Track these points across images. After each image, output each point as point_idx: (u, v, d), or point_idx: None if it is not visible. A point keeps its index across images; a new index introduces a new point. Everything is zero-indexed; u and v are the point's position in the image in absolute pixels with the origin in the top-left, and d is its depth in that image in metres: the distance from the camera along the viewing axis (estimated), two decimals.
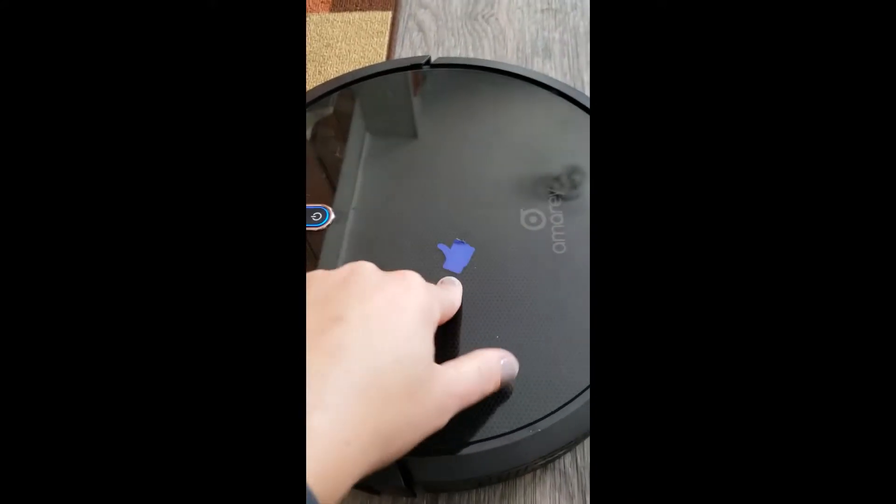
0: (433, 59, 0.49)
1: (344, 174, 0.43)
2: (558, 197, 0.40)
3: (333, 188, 0.42)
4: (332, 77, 0.62)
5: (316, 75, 0.61)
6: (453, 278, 0.36)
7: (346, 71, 0.62)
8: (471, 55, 0.62)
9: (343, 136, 0.45)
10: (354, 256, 0.38)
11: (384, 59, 0.62)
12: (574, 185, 0.41)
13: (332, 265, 0.38)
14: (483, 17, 0.65)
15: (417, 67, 0.49)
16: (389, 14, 0.66)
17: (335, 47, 0.64)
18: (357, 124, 0.46)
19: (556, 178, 0.41)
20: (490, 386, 0.29)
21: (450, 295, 0.33)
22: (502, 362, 0.30)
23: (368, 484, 0.30)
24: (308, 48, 0.64)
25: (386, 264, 0.37)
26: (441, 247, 0.38)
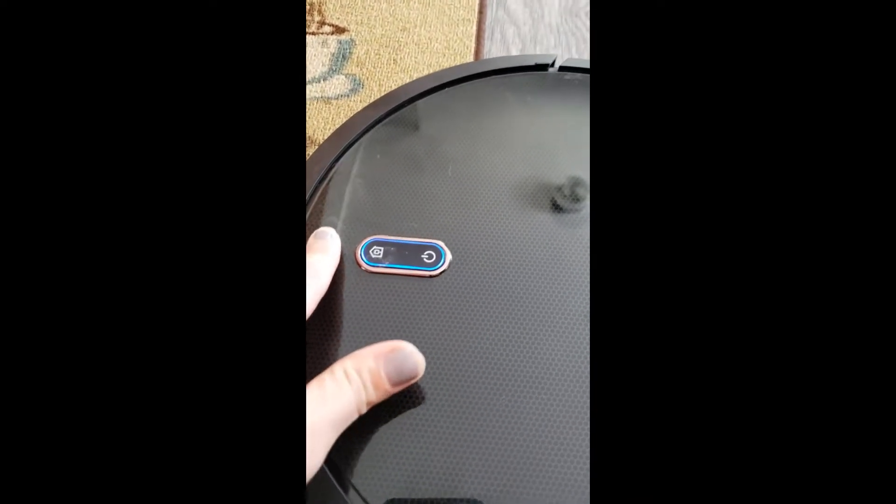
0: (557, 60, 0.40)
1: (463, 199, 0.33)
2: None
3: (449, 217, 0.32)
4: (408, 66, 0.52)
5: (390, 63, 0.51)
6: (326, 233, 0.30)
7: (425, 61, 0.52)
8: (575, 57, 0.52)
9: (455, 148, 0.35)
10: (476, 320, 0.29)
11: (472, 52, 0.52)
12: None
13: (447, 331, 0.28)
14: (587, 13, 0.56)
15: (542, 69, 0.39)
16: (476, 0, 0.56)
17: (412, 32, 0.53)
18: (474, 134, 0.36)
19: None
20: (374, 394, 0.24)
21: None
22: (386, 359, 0.25)
23: None
24: (380, 30, 0.54)
25: (520, 341, 0.28)
26: None
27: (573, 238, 0.31)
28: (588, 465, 0.25)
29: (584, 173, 0.34)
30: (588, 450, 0.25)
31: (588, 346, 0.28)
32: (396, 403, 0.26)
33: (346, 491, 0.24)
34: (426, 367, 0.27)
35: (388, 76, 0.50)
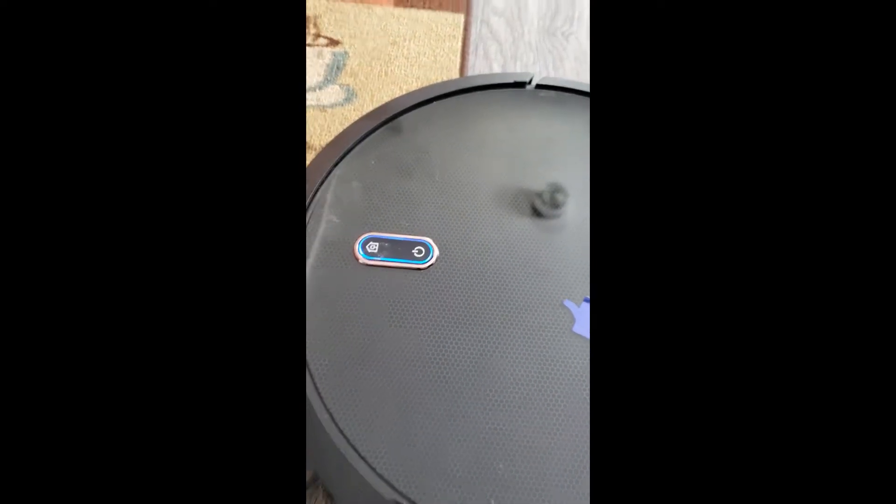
0: (534, 79, 0.44)
1: (448, 201, 0.37)
2: None
3: (436, 217, 0.36)
4: (398, 78, 0.56)
5: (381, 74, 0.55)
6: None
7: (414, 74, 0.56)
8: (552, 76, 0.57)
9: (441, 156, 0.39)
10: (461, 306, 0.33)
11: (457, 66, 0.57)
12: None
13: (436, 315, 0.33)
14: (563, 33, 0.60)
15: (520, 86, 0.44)
16: (461, 17, 0.60)
17: (402, 46, 0.58)
18: (458, 143, 0.40)
19: None
20: None
21: None
22: None
23: None
24: (372, 44, 0.58)
25: (499, 323, 0.32)
26: (569, 304, 0.33)
27: (547, 232, 0.36)
28: (567, 449, 0.29)
29: (556, 178, 0.38)
30: (570, 433, 0.30)
31: (563, 332, 0.32)
32: (383, 384, 0.30)
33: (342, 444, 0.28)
34: (418, 350, 0.31)
35: (380, 87, 0.54)
